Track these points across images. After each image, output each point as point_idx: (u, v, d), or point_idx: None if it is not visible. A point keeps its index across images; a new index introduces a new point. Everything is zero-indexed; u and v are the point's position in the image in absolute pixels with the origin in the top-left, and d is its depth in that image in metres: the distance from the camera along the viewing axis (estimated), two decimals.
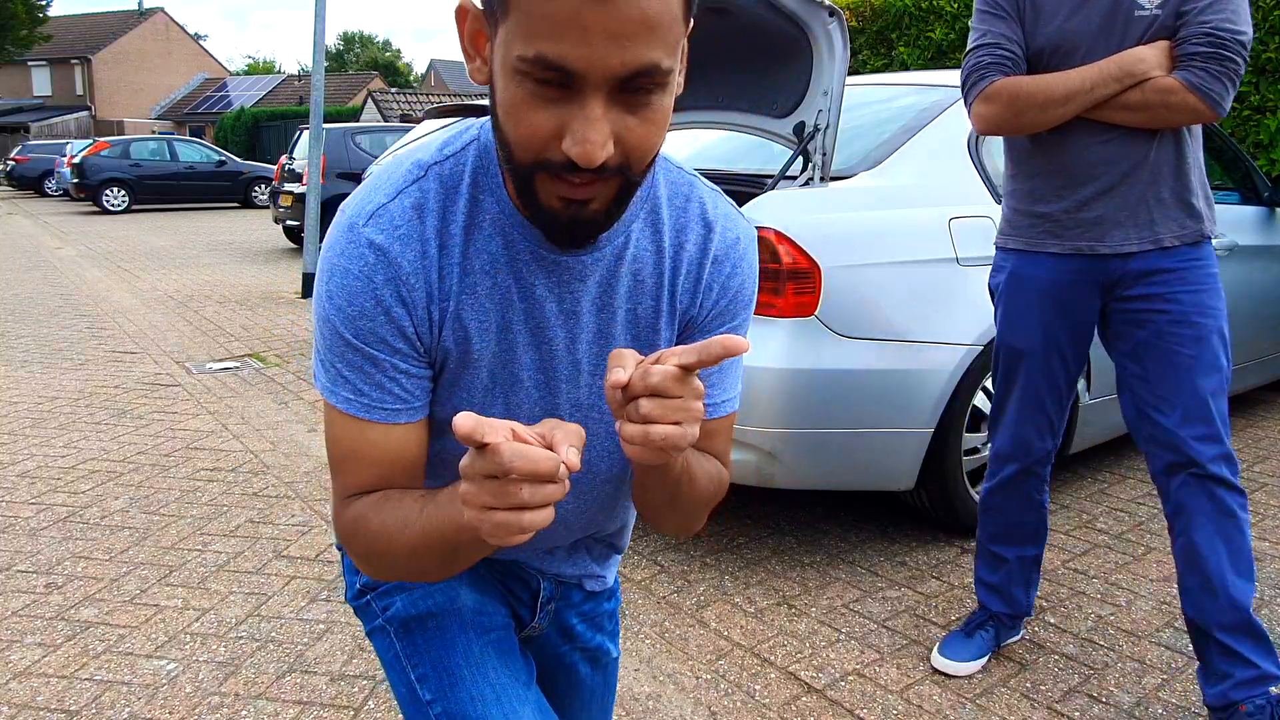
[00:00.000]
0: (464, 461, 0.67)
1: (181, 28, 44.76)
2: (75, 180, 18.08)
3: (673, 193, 0.94)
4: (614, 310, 0.92)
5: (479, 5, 0.78)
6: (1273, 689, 1.84)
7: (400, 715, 1.98)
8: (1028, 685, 2.12)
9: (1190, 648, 2.26)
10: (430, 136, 0.97)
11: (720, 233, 0.94)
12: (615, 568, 1.20)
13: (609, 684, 1.28)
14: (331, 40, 70.55)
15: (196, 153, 19.30)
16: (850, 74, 2.75)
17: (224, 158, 19.52)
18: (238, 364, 5.37)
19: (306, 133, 10.02)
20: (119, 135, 24.93)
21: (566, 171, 0.74)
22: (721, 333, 0.96)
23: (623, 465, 1.01)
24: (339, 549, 1.12)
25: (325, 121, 7.91)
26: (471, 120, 0.91)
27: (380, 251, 0.83)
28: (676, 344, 0.97)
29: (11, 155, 26.01)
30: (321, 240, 0.93)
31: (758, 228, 2.43)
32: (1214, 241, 1.95)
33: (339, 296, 0.83)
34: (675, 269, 0.93)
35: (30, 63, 39.35)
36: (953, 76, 3.33)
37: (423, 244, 0.85)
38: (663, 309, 0.94)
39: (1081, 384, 3.06)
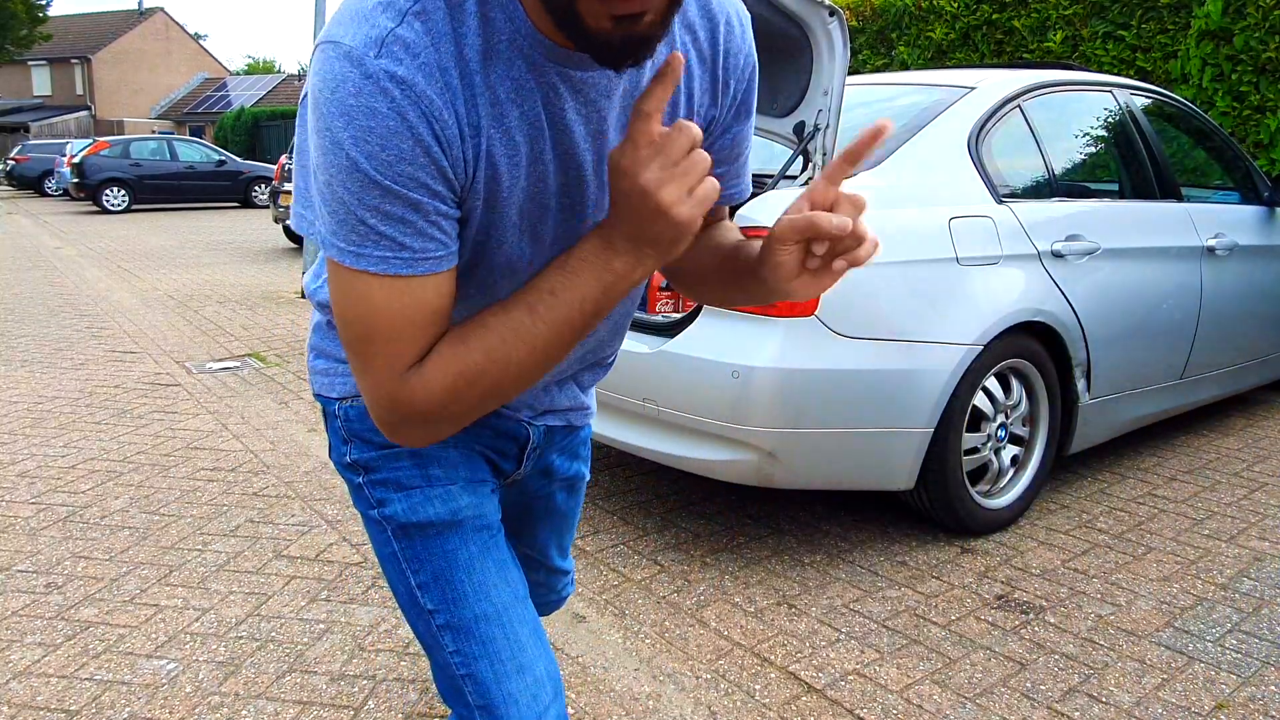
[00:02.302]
0: (638, 158, 0.77)
1: (181, 27, 44.76)
2: (75, 180, 18.10)
3: None
4: None
5: None
6: None
7: (399, 713, 1.99)
8: (1028, 685, 2.11)
9: (1190, 647, 2.26)
10: None
11: (724, 24, 0.92)
12: (593, 392, 1.25)
13: (578, 504, 1.37)
14: None
15: (196, 152, 19.32)
16: (850, 74, 2.75)
17: (224, 157, 19.54)
18: (238, 364, 5.37)
19: None
20: (119, 135, 24.93)
21: None
22: (738, 122, 1.00)
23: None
24: (321, 400, 1.09)
25: None
26: None
27: (405, 85, 0.73)
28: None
29: (11, 155, 26.04)
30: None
31: (757, 227, 2.43)
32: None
33: (369, 141, 0.73)
34: (689, 72, 0.91)
35: (30, 62, 39.36)
36: (953, 76, 3.33)
37: (444, 74, 0.76)
38: (679, 115, 0.93)
39: (1081, 384, 3.06)
